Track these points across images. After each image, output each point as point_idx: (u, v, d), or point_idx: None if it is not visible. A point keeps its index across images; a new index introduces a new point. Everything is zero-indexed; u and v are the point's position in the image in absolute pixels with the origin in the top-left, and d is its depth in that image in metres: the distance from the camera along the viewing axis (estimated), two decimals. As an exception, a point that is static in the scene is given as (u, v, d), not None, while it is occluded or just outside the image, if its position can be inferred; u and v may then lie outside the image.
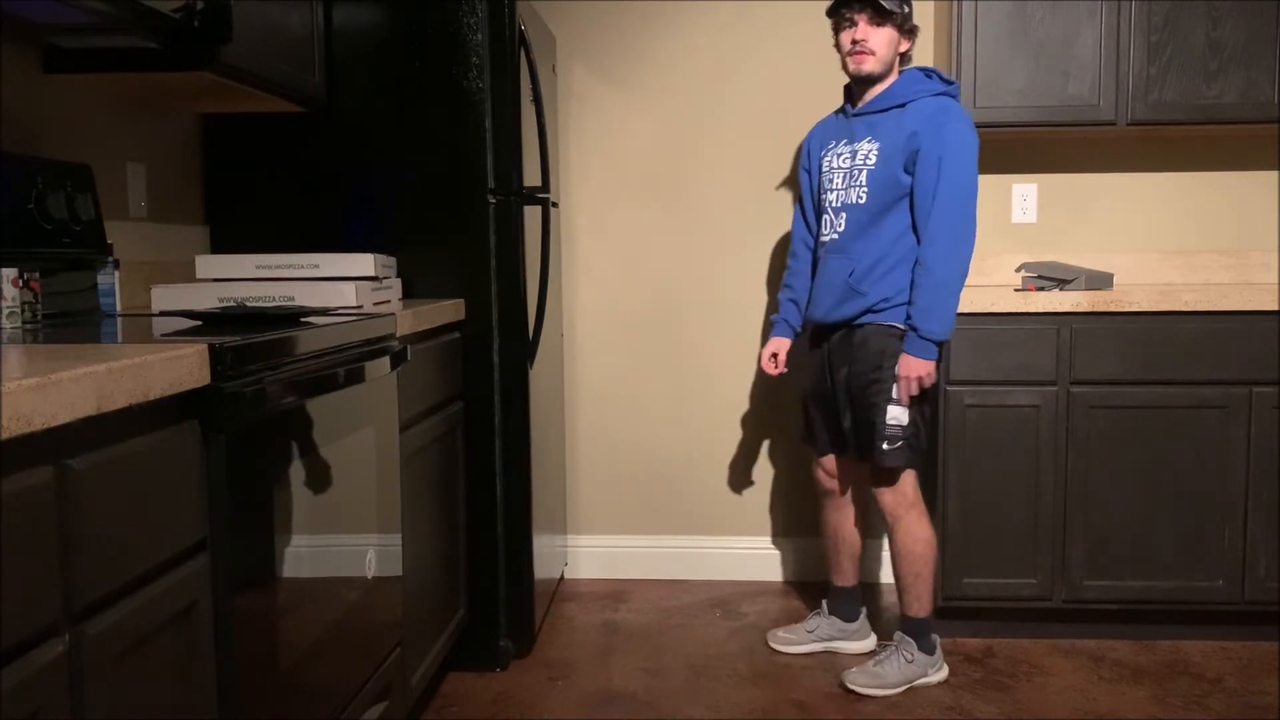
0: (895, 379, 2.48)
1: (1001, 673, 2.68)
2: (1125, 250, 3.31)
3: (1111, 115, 2.95)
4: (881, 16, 2.47)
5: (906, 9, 2.51)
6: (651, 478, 3.45)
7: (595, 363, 3.43)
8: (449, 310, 2.51)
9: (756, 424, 3.40)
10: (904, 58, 2.57)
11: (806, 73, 3.24)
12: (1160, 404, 2.77)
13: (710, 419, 3.43)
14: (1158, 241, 3.31)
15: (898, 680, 2.56)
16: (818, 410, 2.71)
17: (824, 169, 2.63)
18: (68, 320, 1.89)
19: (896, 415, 2.48)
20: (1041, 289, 2.84)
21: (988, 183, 3.31)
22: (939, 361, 2.51)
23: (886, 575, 3.28)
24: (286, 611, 1.54)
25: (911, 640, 2.60)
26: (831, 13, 2.55)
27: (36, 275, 1.83)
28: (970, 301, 2.74)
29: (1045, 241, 3.32)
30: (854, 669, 2.59)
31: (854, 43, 2.50)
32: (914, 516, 2.57)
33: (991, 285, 3.21)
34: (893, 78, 2.55)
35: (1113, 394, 2.77)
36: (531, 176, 2.76)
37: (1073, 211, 3.31)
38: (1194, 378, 2.76)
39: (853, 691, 2.54)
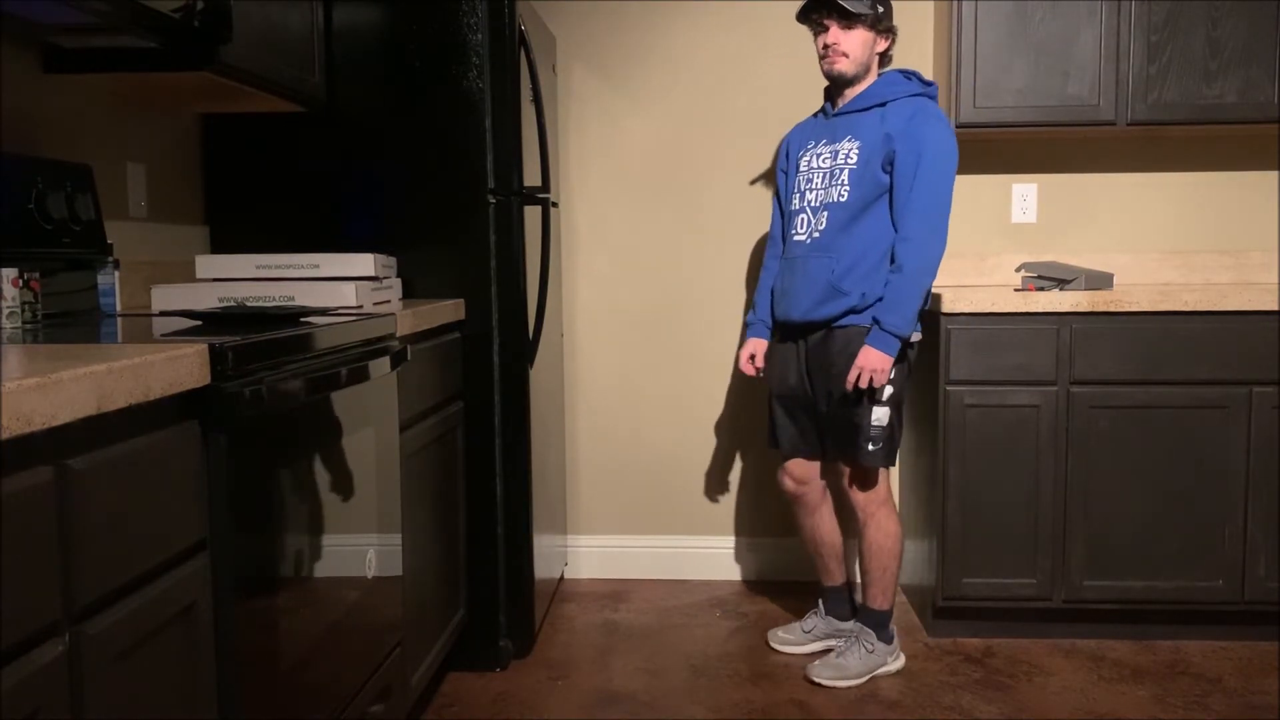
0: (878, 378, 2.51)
1: (1001, 673, 2.68)
2: (1125, 250, 3.31)
3: (1111, 115, 2.95)
4: (849, 19, 2.49)
5: (880, 9, 2.51)
6: (652, 478, 3.45)
7: (595, 363, 3.43)
8: (449, 310, 2.51)
9: (756, 423, 3.40)
10: (884, 58, 2.59)
11: (806, 73, 3.22)
12: (1160, 404, 2.77)
13: (710, 418, 3.43)
14: (1158, 241, 3.31)
15: (859, 670, 2.61)
16: (788, 412, 2.70)
17: (801, 169, 2.65)
18: (68, 320, 1.88)
19: (880, 416, 2.52)
20: (1041, 289, 2.84)
21: (988, 183, 3.32)
22: (906, 363, 2.55)
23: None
24: (286, 611, 1.54)
25: (871, 631, 2.66)
26: (801, 18, 2.58)
27: (36, 275, 1.82)
28: (970, 301, 2.75)
29: (1045, 241, 3.32)
30: (816, 662, 2.65)
31: (826, 46, 2.54)
32: (885, 513, 2.62)
33: (991, 285, 3.21)
34: (871, 78, 2.57)
35: (1113, 394, 2.77)
36: (531, 176, 2.76)
37: (1073, 211, 3.31)
38: (1194, 378, 2.76)
39: (817, 684, 2.59)
